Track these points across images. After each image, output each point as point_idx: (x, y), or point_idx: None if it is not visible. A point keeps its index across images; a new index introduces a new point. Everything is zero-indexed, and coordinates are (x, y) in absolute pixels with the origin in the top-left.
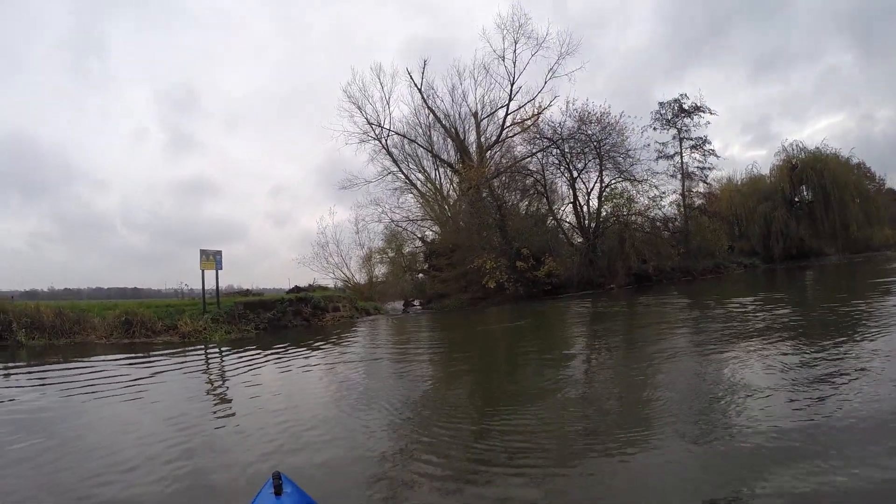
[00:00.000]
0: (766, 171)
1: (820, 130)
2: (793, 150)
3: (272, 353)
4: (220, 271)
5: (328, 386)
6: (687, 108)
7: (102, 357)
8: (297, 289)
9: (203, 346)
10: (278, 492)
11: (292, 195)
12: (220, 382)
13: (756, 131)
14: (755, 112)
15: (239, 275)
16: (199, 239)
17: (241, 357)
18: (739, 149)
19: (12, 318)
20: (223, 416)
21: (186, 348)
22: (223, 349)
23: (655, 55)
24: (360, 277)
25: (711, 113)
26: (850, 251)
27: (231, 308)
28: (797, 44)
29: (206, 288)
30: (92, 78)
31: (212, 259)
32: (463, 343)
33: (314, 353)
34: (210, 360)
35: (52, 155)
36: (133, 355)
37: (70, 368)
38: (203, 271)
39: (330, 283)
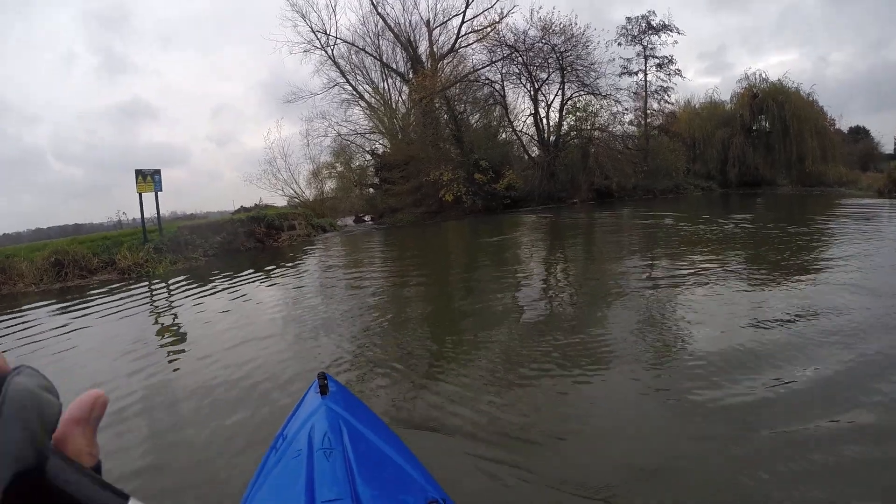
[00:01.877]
0: (725, 97)
1: (773, 66)
2: (755, 79)
3: (224, 282)
4: (159, 193)
5: (287, 314)
6: (655, 25)
7: (33, 305)
8: (243, 209)
9: (147, 281)
10: (324, 391)
11: (235, 114)
12: (168, 320)
13: (712, 59)
14: (712, 41)
15: (182, 201)
16: (139, 166)
17: (189, 289)
18: (693, 74)
19: None
20: (175, 354)
21: (128, 284)
22: (170, 282)
23: None
24: (310, 194)
25: (679, 33)
26: (803, 184)
27: (175, 234)
28: None
29: (145, 214)
30: (8, 3)
31: (149, 180)
32: (427, 263)
33: (270, 278)
34: (155, 296)
35: None
36: (67, 300)
37: None
38: (140, 195)
39: (278, 201)
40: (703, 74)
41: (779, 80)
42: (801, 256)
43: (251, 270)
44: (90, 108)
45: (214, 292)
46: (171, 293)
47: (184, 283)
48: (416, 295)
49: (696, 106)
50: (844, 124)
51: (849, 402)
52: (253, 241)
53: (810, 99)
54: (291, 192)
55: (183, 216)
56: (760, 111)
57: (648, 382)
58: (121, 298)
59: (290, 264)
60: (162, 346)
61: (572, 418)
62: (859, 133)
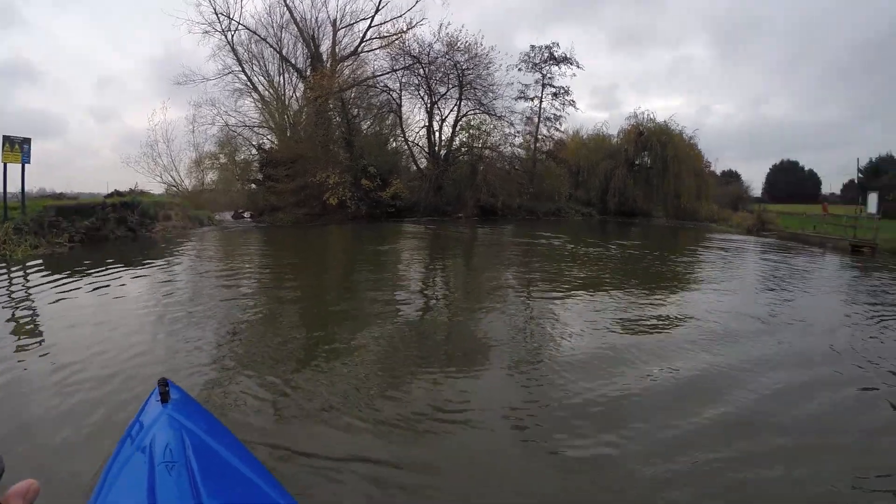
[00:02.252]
0: (613, 132)
1: (659, 108)
2: (643, 118)
3: (89, 272)
4: (26, 165)
5: (151, 311)
6: (557, 56)
7: None
8: (117, 193)
9: (5, 265)
10: (165, 399)
11: (120, 89)
12: (21, 312)
13: (604, 95)
14: (606, 78)
15: (52, 177)
16: (10, 132)
17: (49, 278)
18: (585, 107)
19: None
20: (23, 351)
21: None
22: (28, 268)
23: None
24: (189, 183)
25: (578, 66)
26: (677, 217)
27: (40, 214)
28: (663, 28)
29: (7, 189)
30: None
31: (17, 149)
32: (306, 265)
33: (139, 270)
34: (13, 284)
35: None
36: None
37: None
38: (4, 165)
39: (156, 188)
40: (593, 108)
41: (665, 122)
42: (673, 277)
43: (120, 261)
44: None
45: (76, 282)
46: (28, 280)
47: (44, 269)
48: (292, 298)
49: (584, 137)
50: (719, 167)
51: (702, 401)
52: (124, 229)
53: (692, 142)
54: (170, 179)
55: (51, 194)
56: (644, 148)
57: (522, 382)
58: None
59: (162, 258)
60: (10, 340)
61: (440, 411)
62: (731, 176)
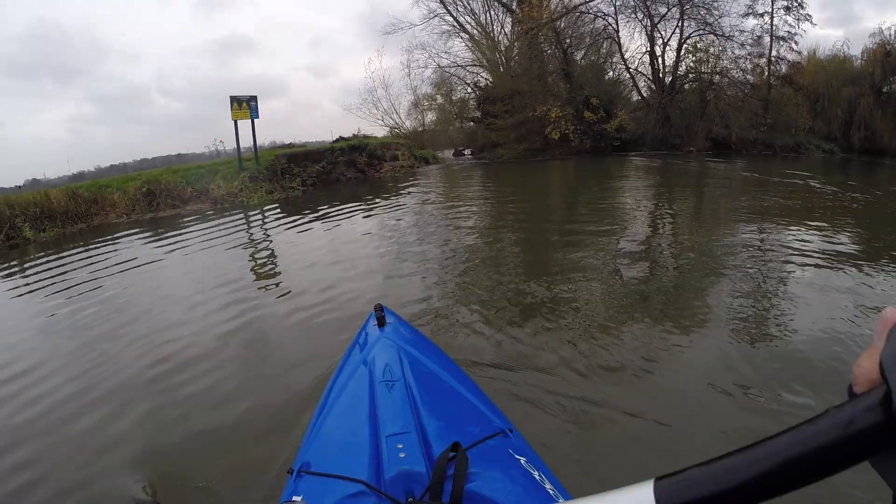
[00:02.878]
0: (853, 52)
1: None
2: (889, 34)
3: (321, 213)
4: (255, 120)
5: (381, 249)
6: None
7: (122, 234)
8: (342, 139)
9: (242, 211)
10: (381, 323)
11: (332, 46)
12: (258, 252)
13: (836, 8)
14: None
15: (281, 131)
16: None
17: (282, 220)
18: (815, 23)
19: (18, 212)
20: (262, 288)
21: (223, 214)
22: (266, 211)
23: None
24: (410, 125)
25: None
26: None
27: (272, 163)
28: None
29: (241, 143)
30: None
31: (245, 107)
32: (530, 206)
33: (371, 210)
34: (246, 226)
35: (78, 36)
36: (157, 231)
37: (73, 257)
38: (236, 122)
39: (378, 132)
40: (825, 25)
41: None
42: None
43: (351, 202)
44: (190, 45)
45: (309, 223)
46: (265, 223)
47: (279, 213)
48: (514, 241)
49: (821, 59)
50: None
51: None
52: (353, 170)
53: None
54: (392, 122)
55: (281, 145)
56: (893, 71)
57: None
58: (211, 229)
59: (391, 196)
60: (251, 278)
61: (654, 362)
62: None
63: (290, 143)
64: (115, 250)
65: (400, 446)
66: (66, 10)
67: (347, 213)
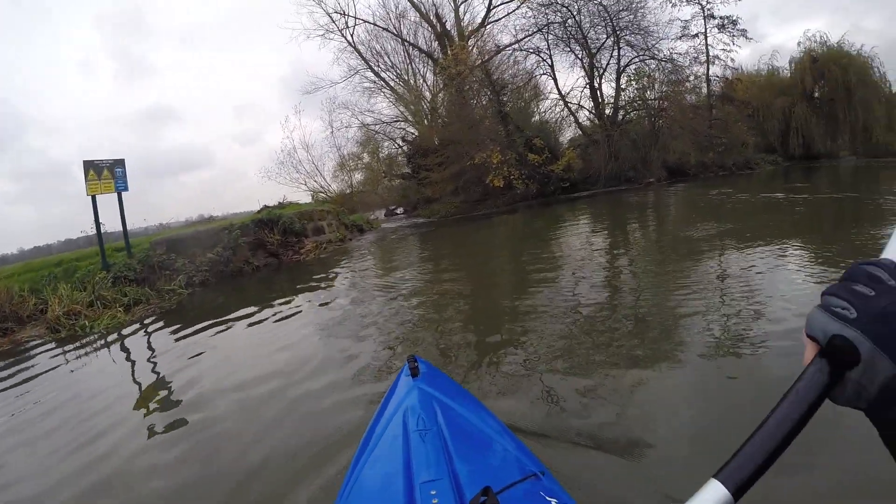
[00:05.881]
0: (780, 63)
1: (797, 36)
2: (813, 42)
3: (202, 339)
4: (123, 193)
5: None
6: None
7: None
8: (266, 209)
9: (79, 343)
10: (415, 373)
11: (257, 112)
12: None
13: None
14: (743, 10)
15: (209, 202)
16: (163, 169)
17: (140, 356)
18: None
19: None
20: None
21: (64, 348)
22: (111, 343)
23: None
24: (337, 187)
25: None
26: (868, 155)
27: (146, 256)
28: None
29: (102, 227)
30: (25, 12)
31: (107, 175)
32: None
33: (277, 327)
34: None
35: None
36: None
37: None
38: (94, 198)
39: (304, 197)
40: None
41: (838, 43)
42: None
43: (251, 306)
44: (113, 114)
45: (175, 361)
46: (102, 369)
47: (134, 344)
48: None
49: (751, 73)
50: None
51: None
52: (263, 255)
53: (871, 63)
54: (316, 185)
55: (199, 219)
56: (821, 77)
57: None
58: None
59: (314, 295)
60: None
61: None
62: None
63: (210, 217)
64: None
65: (433, 493)
66: None
67: (244, 325)
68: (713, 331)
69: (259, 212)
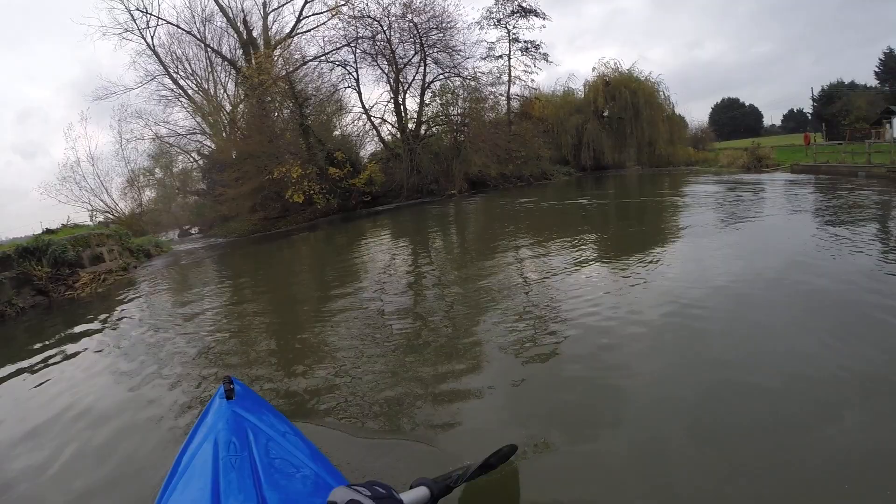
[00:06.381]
0: (574, 85)
1: (592, 62)
2: (607, 68)
3: None
4: None
5: None
6: (525, 7)
7: None
8: (47, 232)
9: None
10: (230, 396)
11: (42, 120)
12: None
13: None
14: (543, 37)
15: None
16: None
17: None
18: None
19: None
20: None
21: None
22: None
23: None
24: (126, 206)
25: (545, 18)
26: (653, 165)
27: None
28: None
29: None
30: None
31: None
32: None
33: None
34: None
35: None
36: None
37: None
38: None
39: (88, 218)
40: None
41: (628, 70)
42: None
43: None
44: None
45: None
46: None
47: None
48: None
49: (549, 92)
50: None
51: None
52: (30, 293)
53: (657, 87)
54: (101, 205)
55: None
56: (613, 98)
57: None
58: None
59: (104, 337)
60: None
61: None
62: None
63: None
64: None
65: None
66: None
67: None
68: (511, 325)
69: (43, 234)
